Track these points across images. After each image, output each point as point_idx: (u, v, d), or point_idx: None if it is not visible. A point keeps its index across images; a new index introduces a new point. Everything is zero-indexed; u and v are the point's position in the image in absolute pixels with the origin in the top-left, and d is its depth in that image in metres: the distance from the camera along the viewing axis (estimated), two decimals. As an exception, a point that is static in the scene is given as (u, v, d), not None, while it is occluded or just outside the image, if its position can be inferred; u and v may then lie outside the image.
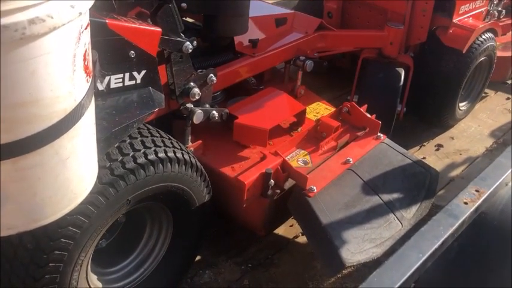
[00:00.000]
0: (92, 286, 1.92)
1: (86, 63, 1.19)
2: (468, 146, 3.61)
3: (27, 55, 0.99)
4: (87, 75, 1.22)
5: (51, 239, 1.61)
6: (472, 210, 1.70)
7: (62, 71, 1.09)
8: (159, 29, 1.93)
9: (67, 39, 1.07)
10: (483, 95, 4.19)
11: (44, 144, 1.13)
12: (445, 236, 1.59)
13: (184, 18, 2.71)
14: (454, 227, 1.62)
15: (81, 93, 1.19)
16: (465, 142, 3.65)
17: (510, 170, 1.85)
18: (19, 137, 1.08)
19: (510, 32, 4.39)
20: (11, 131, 1.06)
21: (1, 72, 0.97)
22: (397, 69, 3.26)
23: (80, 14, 1.08)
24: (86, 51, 1.18)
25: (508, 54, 4.11)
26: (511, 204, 1.87)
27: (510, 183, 1.91)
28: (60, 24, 1.01)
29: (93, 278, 1.96)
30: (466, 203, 1.72)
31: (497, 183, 1.79)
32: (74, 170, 1.28)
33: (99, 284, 1.99)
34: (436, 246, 1.55)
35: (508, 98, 4.28)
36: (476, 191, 1.76)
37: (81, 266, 1.76)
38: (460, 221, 1.65)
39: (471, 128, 3.83)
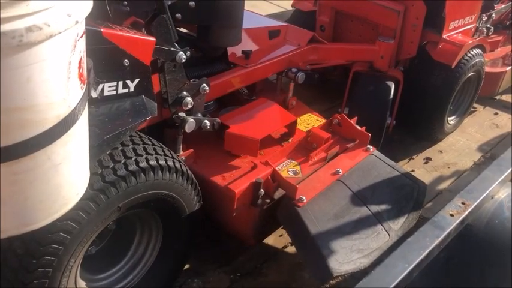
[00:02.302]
0: (79, 293, 1.93)
1: (80, 70, 1.21)
2: (456, 159, 3.66)
3: (24, 62, 1.02)
4: (81, 83, 1.24)
5: (41, 244, 1.62)
6: (458, 222, 1.73)
7: (57, 78, 1.12)
8: (153, 39, 1.96)
9: (63, 47, 1.10)
10: (472, 109, 4.26)
11: (37, 150, 1.15)
12: (431, 247, 1.62)
13: (178, 29, 2.75)
14: (440, 238, 1.66)
15: (75, 100, 1.22)
16: (453, 156, 3.71)
17: (496, 184, 1.89)
18: (13, 142, 1.10)
19: (499, 49, 4.49)
20: (5, 136, 1.08)
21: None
22: (387, 82, 3.32)
23: (76, 22, 1.10)
24: (81, 59, 1.21)
25: (496, 70, 4.19)
26: (496, 217, 1.92)
27: (496, 196, 1.95)
28: (57, 32, 1.04)
29: (82, 284, 1.96)
30: (452, 215, 1.76)
31: (483, 196, 1.83)
32: (66, 176, 1.30)
33: (88, 291, 2.00)
34: (422, 256, 1.58)
35: (496, 113, 4.35)
36: (463, 203, 1.80)
37: (70, 271, 1.76)
38: (446, 233, 1.68)
39: (460, 142, 3.89)
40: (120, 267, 2.15)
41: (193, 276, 2.46)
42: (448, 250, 1.83)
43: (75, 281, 1.88)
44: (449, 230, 1.68)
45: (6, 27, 0.94)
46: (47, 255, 1.64)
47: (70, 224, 1.65)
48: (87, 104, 1.36)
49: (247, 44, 2.95)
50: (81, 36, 1.20)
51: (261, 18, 3.48)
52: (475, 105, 4.33)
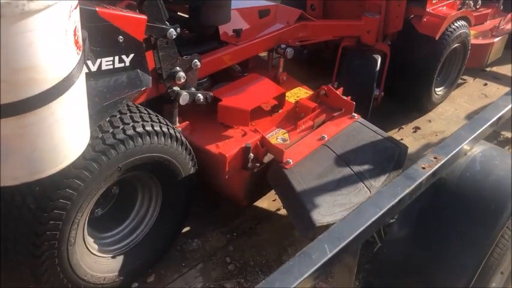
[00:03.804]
0: (88, 247, 2.15)
1: (76, 38, 1.42)
2: (444, 128, 3.83)
3: (26, 28, 1.22)
4: (77, 49, 1.45)
5: (51, 199, 1.84)
6: (428, 174, 1.87)
7: (55, 43, 1.32)
8: (144, 17, 2.16)
9: (59, 15, 1.30)
10: (462, 81, 4.41)
11: (41, 105, 1.36)
12: (402, 195, 1.77)
13: (174, 12, 2.95)
14: (410, 188, 1.81)
15: (72, 64, 1.42)
16: (442, 124, 3.87)
17: (467, 141, 2.06)
18: (20, 98, 1.31)
19: (488, 22, 4.62)
20: (14, 92, 1.29)
21: (5, 42, 1.21)
22: (374, 55, 3.49)
23: (69, -5, 1.31)
24: (75, 28, 1.41)
25: (484, 41, 4.33)
26: (468, 170, 2.08)
27: (469, 153, 2.12)
28: (53, 2, 1.24)
29: (90, 240, 2.19)
30: (424, 168, 1.91)
31: (454, 152, 1.98)
32: (68, 131, 1.51)
33: (95, 246, 2.22)
34: (392, 203, 1.74)
35: (485, 84, 4.50)
36: (435, 158, 1.95)
37: (77, 225, 1.99)
38: (416, 183, 1.83)
39: (448, 112, 4.05)
40: (124, 227, 2.37)
41: (194, 236, 2.68)
42: (423, 202, 2.00)
43: (83, 236, 2.10)
44: (420, 180, 1.83)
45: (12, -3, 1.15)
46: (57, 209, 1.86)
47: (76, 182, 1.87)
48: (83, 68, 1.57)
49: (238, 23, 3.14)
50: (75, 8, 1.40)
51: (252, -1, 3.65)
52: (465, 77, 4.48)
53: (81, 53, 1.49)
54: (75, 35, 1.41)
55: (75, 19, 1.41)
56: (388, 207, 1.74)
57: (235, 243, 2.66)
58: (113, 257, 2.28)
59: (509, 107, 2.22)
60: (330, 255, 1.47)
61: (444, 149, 2.00)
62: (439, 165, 1.92)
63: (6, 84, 1.26)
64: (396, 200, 1.76)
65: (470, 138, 2.05)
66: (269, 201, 2.94)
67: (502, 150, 2.34)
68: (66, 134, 1.51)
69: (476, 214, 1.97)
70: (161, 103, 2.63)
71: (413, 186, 1.83)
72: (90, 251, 2.16)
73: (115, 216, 2.36)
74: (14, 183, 1.47)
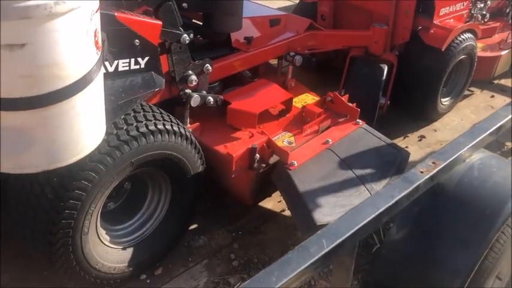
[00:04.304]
0: (100, 238, 2.28)
1: (96, 39, 1.55)
2: (450, 137, 3.89)
3: (52, 28, 1.36)
4: (97, 49, 1.58)
5: (67, 189, 1.97)
6: (426, 178, 1.94)
7: (77, 43, 1.45)
8: (160, 22, 2.30)
9: (81, 18, 1.44)
10: (469, 92, 4.49)
11: (63, 99, 1.49)
12: (399, 197, 1.85)
13: (189, 19, 3.09)
14: (407, 190, 1.88)
15: (91, 62, 1.56)
16: (447, 134, 3.95)
17: (466, 148, 2.14)
18: (44, 92, 1.44)
19: (497, 35, 4.70)
20: (39, 87, 1.42)
21: (33, 40, 1.34)
22: (381, 65, 3.59)
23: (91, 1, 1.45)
24: (96, 29, 1.55)
25: (491, 54, 4.40)
26: (465, 177, 2.16)
27: (467, 160, 2.20)
28: (77, 6, 1.38)
29: (102, 231, 2.32)
30: (422, 172, 1.99)
31: (452, 158, 2.06)
32: (86, 124, 1.65)
33: (107, 238, 2.34)
34: (389, 204, 1.82)
35: (492, 96, 4.57)
36: (433, 163, 2.03)
37: (91, 215, 2.11)
38: (414, 186, 1.90)
39: (454, 122, 4.13)
40: (135, 220, 2.49)
41: (200, 233, 2.79)
42: (421, 205, 2.09)
43: (96, 227, 2.23)
44: (418, 184, 1.91)
45: (41, 1, 1.29)
46: (72, 199, 1.99)
47: (91, 174, 2.00)
48: (102, 67, 1.70)
49: (249, 31, 3.27)
50: (96, 11, 1.54)
51: (264, 8, 3.79)
52: (472, 88, 4.55)
53: (100, 53, 1.62)
54: (95, 36, 1.54)
55: (95, 22, 1.54)
56: (385, 207, 1.81)
57: (240, 241, 2.77)
58: (124, 249, 2.40)
59: (510, 117, 2.30)
60: (327, 250, 1.56)
61: (443, 155, 2.07)
62: (437, 170, 1.99)
63: (32, 79, 1.39)
64: (393, 201, 1.83)
65: (469, 146, 2.11)
66: (274, 202, 3.04)
67: (501, 158, 2.41)
68: (84, 127, 1.64)
69: (472, 218, 2.04)
70: (173, 104, 2.77)
71: (411, 189, 1.90)
72: (102, 242, 2.28)
73: (126, 210, 2.48)
74: (35, 171, 1.60)
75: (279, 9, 4.52)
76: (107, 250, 2.31)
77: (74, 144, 1.62)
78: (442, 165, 2.03)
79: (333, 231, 1.69)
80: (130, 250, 2.42)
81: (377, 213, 1.80)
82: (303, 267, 1.48)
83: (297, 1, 4.50)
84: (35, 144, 1.52)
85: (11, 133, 1.48)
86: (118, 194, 2.45)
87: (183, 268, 2.58)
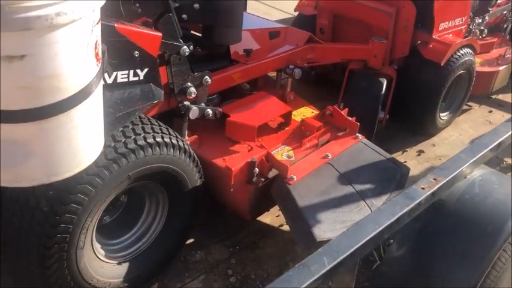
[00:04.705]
0: (96, 252, 2.23)
1: (96, 51, 1.52)
2: (448, 152, 3.89)
3: (53, 39, 1.32)
4: (97, 61, 1.55)
5: (63, 203, 1.92)
6: (428, 194, 1.92)
7: (78, 54, 1.42)
8: (159, 34, 2.28)
9: (82, 29, 1.41)
10: (467, 107, 4.49)
11: (61, 112, 1.46)
12: (400, 213, 1.83)
13: (187, 30, 3.07)
14: (409, 207, 1.86)
15: (91, 74, 1.52)
16: (446, 149, 3.94)
17: (466, 164, 2.12)
18: (43, 104, 1.40)
19: (495, 50, 4.72)
20: (38, 98, 1.39)
21: (33, 52, 1.31)
22: (380, 79, 3.58)
23: (93, 10, 1.42)
24: (96, 41, 1.52)
25: (489, 69, 4.41)
26: (466, 193, 2.14)
27: (468, 176, 2.18)
28: (78, 17, 1.35)
29: (97, 246, 2.27)
30: (423, 188, 1.97)
31: (454, 174, 2.04)
32: (84, 137, 1.61)
33: (102, 252, 2.29)
34: (391, 221, 1.80)
35: (490, 111, 4.57)
36: (434, 179, 2.02)
37: (87, 230, 2.06)
38: (415, 202, 1.89)
39: (453, 137, 4.12)
40: (131, 234, 2.45)
41: (197, 248, 2.74)
42: (422, 222, 2.06)
43: (92, 241, 2.18)
44: (419, 200, 1.89)
45: (42, 12, 1.26)
46: (68, 213, 1.94)
47: (87, 188, 1.96)
48: (102, 79, 1.67)
49: (249, 43, 3.25)
50: (97, 23, 1.51)
51: (263, 20, 3.78)
52: (470, 103, 4.56)
53: (100, 65, 1.59)
54: (96, 48, 1.51)
55: (96, 33, 1.51)
56: (386, 224, 1.79)
57: (237, 256, 2.72)
58: (119, 264, 2.35)
59: (510, 133, 2.29)
60: (328, 268, 1.53)
61: (444, 171, 2.05)
62: (438, 186, 1.97)
63: (32, 90, 1.36)
64: (395, 218, 1.81)
65: (470, 162, 2.10)
66: (272, 217, 3.00)
67: (502, 175, 2.40)
68: (82, 140, 1.60)
69: (474, 236, 2.02)
70: (171, 117, 2.74)
71: (412, 205, 1.88)
72: (97, 256, 2.23)
73: (122, 224, 2.44)
74: (32, 184, 1.56)
75: (277, 21, 4.51)
76: (102, 265, 2.26)
77: (71, 157, 1.59)
78: (443, 182, 2.01)
79: (334, 248, 1.66)
80: (125, 265, 2.37)
81: (378, 230, 1.78)
82: (303, 286, 1.45)
83: (295, 13, 4.50)
84: (33, 157, 1.49)
85: (8, 145, 1.44)
86: (114, 207, 2.40)
87: (180, 284, 2.54)
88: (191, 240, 2.76)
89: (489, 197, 2.14)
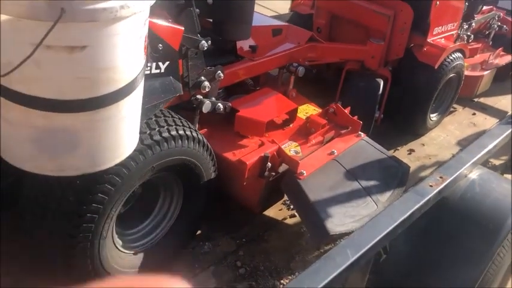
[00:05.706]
0: (114, 242, 2.24)
1: (145, 44, 1.55)
2: (437, 152, 4.04)
3: (114, 31, 1.35)
4: (144, 54, 1.58)
5: (91, 193, 1.94)
6: (435, 192, 2.03)
7: (132, 47, 1.45)
8: (182, 28, 2.30)
9: (139, 22, 1.43)
10: (452, 109, 4.67)
11: (112, 103, 1.48)
12: (413, 210, 1.93)
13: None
14: (420, 203, 1.97)
15: (140, 66, 1.55)
16: (434, 149, 4.09)
17: (469, 163, 2.24)
18: (97, 94, 1.42)
19: (478, 55, 4.92)
20: (93, 89, 1.41)
21: (94, 43, 1.33)
22: (377, 79, 3.70)
23: (150, 5, 1.44)
24: (146, 35, 1.55)
25: (475, 74, 4.61)
26: (468, 192, 2.26)
27: (469, 175, 2.30)
28: (138, 10, 1.37)
29: (115, 236, 2.28)
30: (431, 186, 2.08)
31: (458, 172, 2.16)
32: (128, 128, 1.63)
33: (119, 242, 2.31)
34: (405, 216, 1.90)
35: (474, 113, 4.77)
36: (440, 177, 2.13)
37: (111, 219, 2.08)
38: (425, 199, 1.99)
39: (440, 137, 4.28)
40: (145, 225, 2.47)
41: (205, 240, 2.78)
42: (427, 218, 2.17)
43: (113, 230, 2.19)
44: (428, 197, 1.99)
45: (108, 4, 1.28)
46: (95, 203, 1.96)
47: (114, 178, 1.97)
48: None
49: (253, 39, 3.30)
50: (147, 18, 1.53)
51: (266, 18, 3.83)
52: (455, 105, 4.74)
53: (145, 58, 1.61)
54: (145, 41, 1.54)
55: (146, 27, 1.54)
56: (401, 219, 1.89)
57: (244, 249, 2.78)
58: (135, 254, 2.37)
59: (504, 135, 2.44)
60: (352, 260, 1.61)
61: (449, 170, 2.17)
62: (444, 184, 2.08)
63: (88, 81, 1.38)
64: (408, 214, 1.91)
65: (471, 161, 2.23)
66: (276, 211, 3.07)
67: (497, 174, 2.54)
68: (127, 131, 1.63)
69: (476, 232, 2.14)
70: (178, 110, 2.75)
71: (423, 202, 1.98)
72: (116, 246, 2.25)
73: (137, 215, 2.45)
74: (76, 174, 1.57)
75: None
76: (120, 255, 2.28)
77: (115, 147, 1.61)
78: (449, 180, 2.12)
79: (356, 241, 1.74)
80: (140, 256, 2.39)
81: (394, 225, 1.87)
82: (331, 277, 1.52)
83: (279, 12, 4.53)
84: (80, 147, 1.50)
85: (58, 135, 1.45)
86: (128, 198, 2.41)
87: (190, 275, 2.57)
88: (198, 232, 2.79)
89: (489, 196, 2.26)
